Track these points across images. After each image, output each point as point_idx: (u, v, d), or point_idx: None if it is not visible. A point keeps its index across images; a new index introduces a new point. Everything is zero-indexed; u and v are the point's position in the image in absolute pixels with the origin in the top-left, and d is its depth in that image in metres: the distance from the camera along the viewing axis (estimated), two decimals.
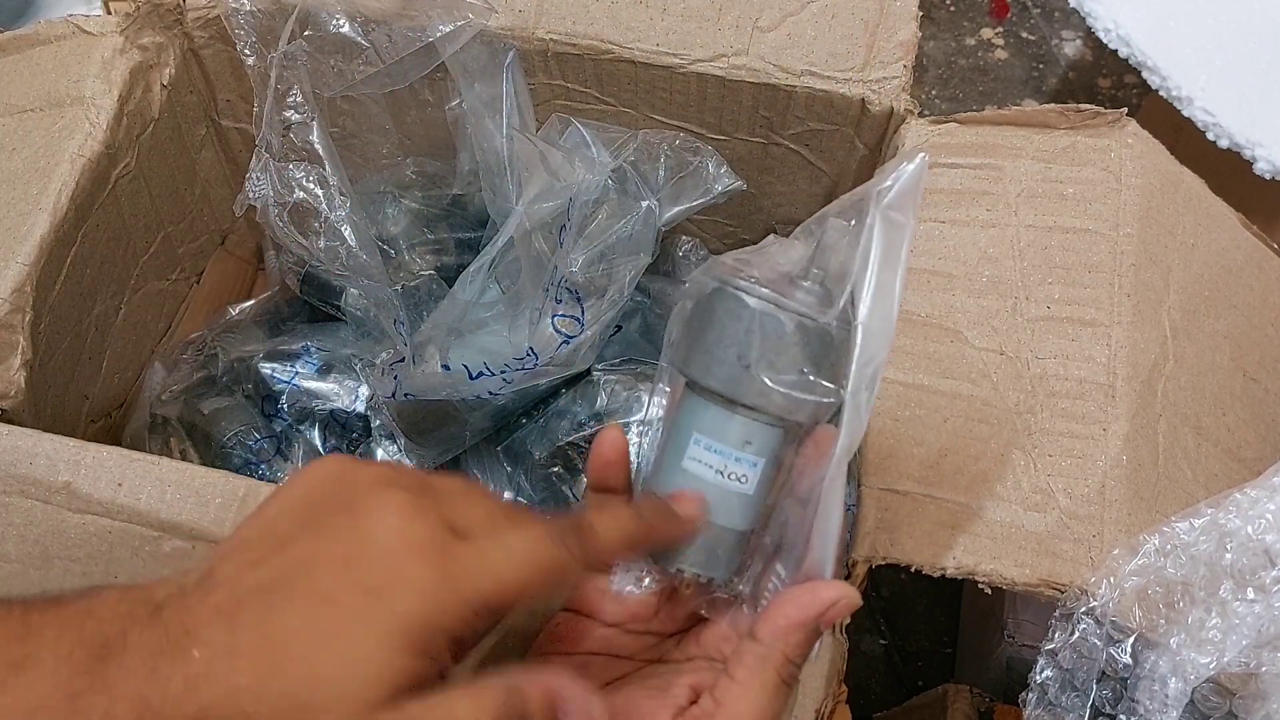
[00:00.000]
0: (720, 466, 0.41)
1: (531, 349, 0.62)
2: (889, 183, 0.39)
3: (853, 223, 0.40)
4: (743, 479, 0.42)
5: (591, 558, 0.36)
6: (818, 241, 0.41)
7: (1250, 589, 0.49)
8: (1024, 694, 0.51)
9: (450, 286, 0.76)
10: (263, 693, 0.29)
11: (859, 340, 0.39)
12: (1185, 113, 0.75)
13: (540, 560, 0.34)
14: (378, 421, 0.71)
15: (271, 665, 0.30)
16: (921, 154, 0.39)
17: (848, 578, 0.50)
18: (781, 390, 0.40)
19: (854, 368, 0.39)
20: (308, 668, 0.30)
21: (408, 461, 0.70)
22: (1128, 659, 0.49)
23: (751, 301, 0.40)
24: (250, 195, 0.62)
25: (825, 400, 0.40)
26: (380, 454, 0.70)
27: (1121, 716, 0.50)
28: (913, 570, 0.50)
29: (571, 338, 0.62)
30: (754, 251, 0.43)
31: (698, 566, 0.42)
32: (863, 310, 0.39)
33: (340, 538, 0.32)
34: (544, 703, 0.33)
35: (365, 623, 0.30)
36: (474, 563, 0.32)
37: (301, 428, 0.76)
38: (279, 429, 0.76)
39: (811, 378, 0.40)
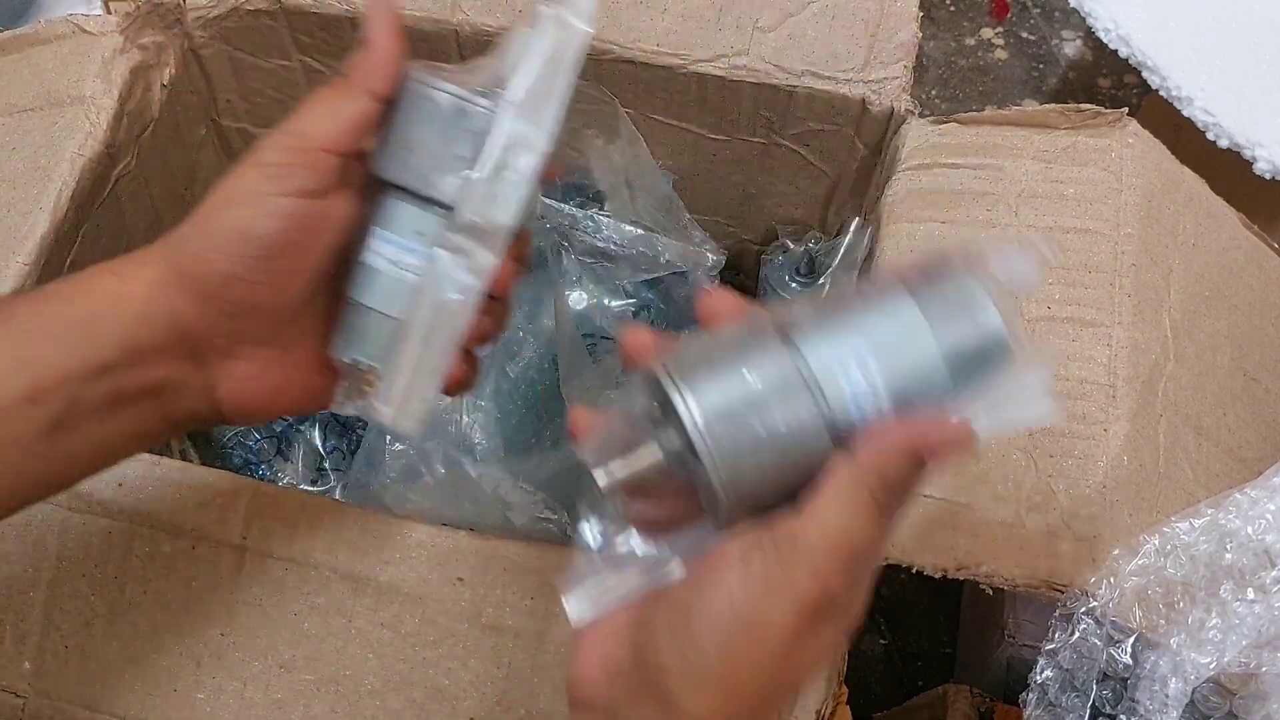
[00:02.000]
0: (392, 256, 0.43)
1: None
2: None
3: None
4: (413, 269, 0.43)
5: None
6: (505, 45, 0.42)
7: (1250, 589, 0.49)
8: (1024, 694, 0.51)
9: None
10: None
11: (499, 116, 0.41)
12: (1185, 113, 0.75)
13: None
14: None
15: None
16: None
17: None
18: (436, 173, 0.41)
19: (488, 142, 0.41)
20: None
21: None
22: (1128, 659, 0.49)
23: (415, 86, 0.41)
24: None
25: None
26: (369, 436, 0.70)
27: (1121, 716, 0.50)
28: (913, 570, 0.50)
29: None
30: (463, 66, 0.44)
31: (368, 356, 0.44)
32: (511, 90, 0.41)
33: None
34: (904, 460, 0.34)
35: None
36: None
37: (302, 427, 0.76)
38: (279, 428, 0.76)
39: (469, 167, 0.41)
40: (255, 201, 0.40)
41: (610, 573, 0.37)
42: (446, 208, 0.42)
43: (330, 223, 0.42)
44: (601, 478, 0.37)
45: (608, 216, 0.70)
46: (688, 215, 0.70)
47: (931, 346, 0.35)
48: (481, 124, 0.41)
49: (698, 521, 0.37)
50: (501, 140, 0.41)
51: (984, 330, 0.35)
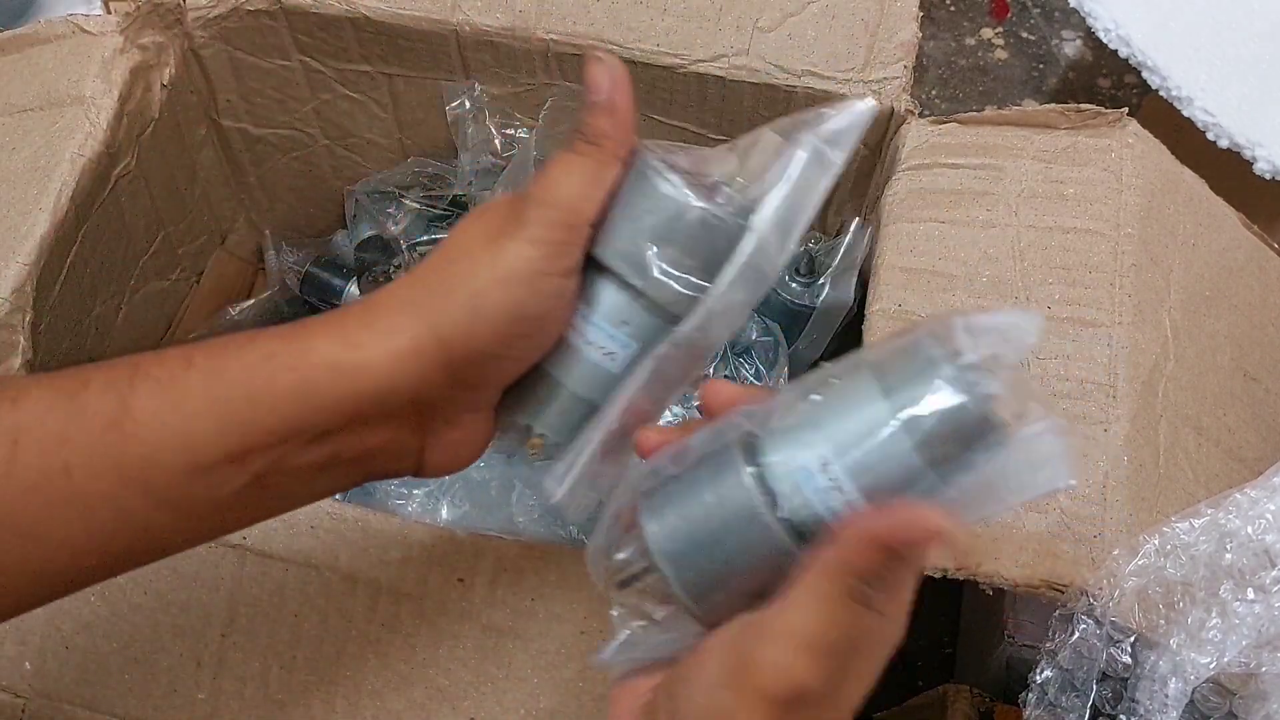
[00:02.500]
0: (591, 337, 0.41)
1: None
2: (832, 114, 0.39)
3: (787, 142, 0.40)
4: (610, 356, 0.41)
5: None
6: (747, 147, 0.40)
7: (1250, 589, 0.49)
8: (1024, 694, 0.51)
9: None
10: None
11: (744, 242, 0.39)
12: (1185, 113, 0.75)
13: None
14: None
15: None
16: (872, 101, 0.39)
17: None
18: (659, 273, 0.39)
19: (727, 265, 0.39)
20: None
21: None
22: (1128, 659, 0.49)
23: (654, 178, 0.39)
24: None
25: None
26: None
27: (1121, 717, 0.50)
28: None
29: None
30: (690, 150, 0.41)
31: (547, 428, 0.42)
32: (758, 216, 0.39)
33: None
34: (872, 551, 0.33)
35: None
36: None
37: None
38: None
39: (694, 273, 0.39)
40: (533, 282, 0.38)
41: (640, 637, 0.38)
42: (659, 306, 0.40)
43: (574, 296, 0.40)
44: (591, 566, 0.38)
45: None
46: None
47: (898, 436, 0.33)
48: (721, 240, 0.39)
49: None
50: (739, 269, 0.39)
51: (955, 410, 0.33)
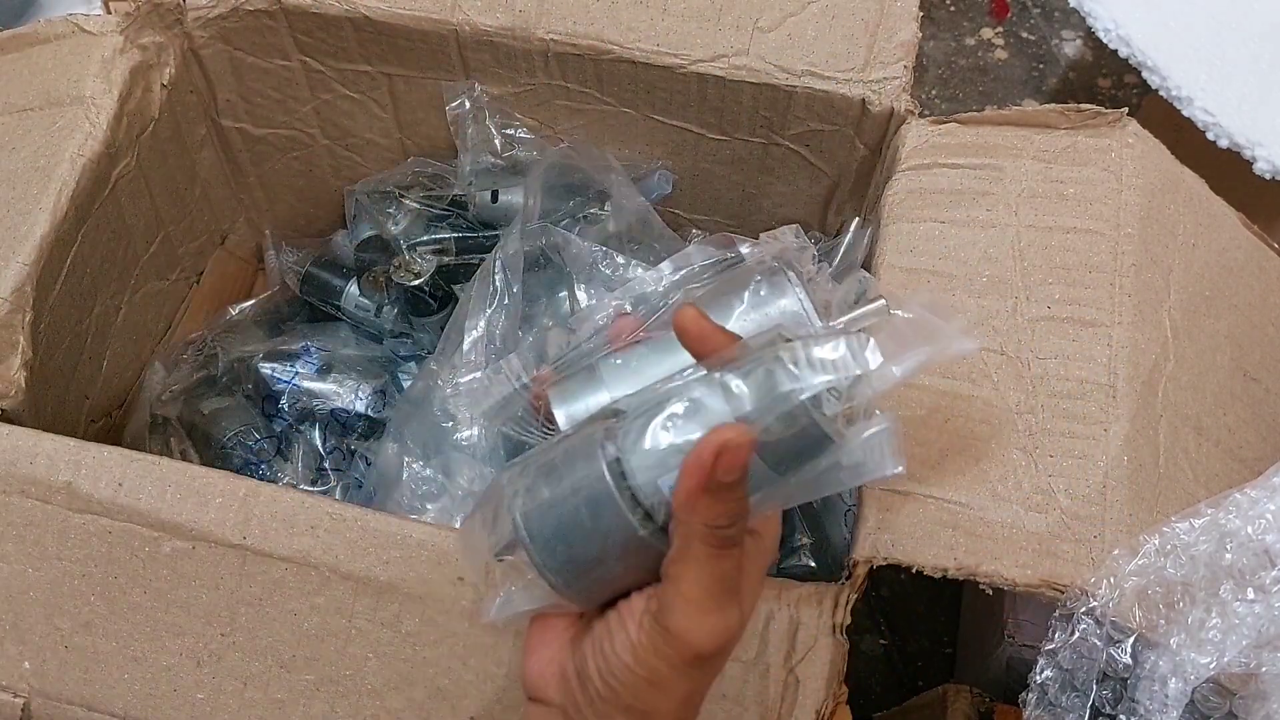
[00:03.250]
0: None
1: None
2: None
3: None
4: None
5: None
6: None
7: (1250, 589, 0.49)
8: (1024, 694, 0.51)
9: (451, 287, 0.76)
10: None
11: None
12: (1185, 113, 0.75)
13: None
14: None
15: None
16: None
17: (848, 578, 0.51)
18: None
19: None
20: None
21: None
22: (1128, 659, 0.49)
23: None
24: None
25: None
26: (387, 452, 0.70)
27: (1121, 716, 0.50)
28: (913, 570, 0.50)
29: None
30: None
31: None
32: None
33: None
34: (702, 493, 0.35)
35: None
36: None
37: (302, 428, 0.76)
38: (279, 429, 0.76)
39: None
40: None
41: (518, 595, 0.40)
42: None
43: None
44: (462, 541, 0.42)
45: (627, 258, 0.70)
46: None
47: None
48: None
49: None
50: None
51: (796, 435, 0.36)
